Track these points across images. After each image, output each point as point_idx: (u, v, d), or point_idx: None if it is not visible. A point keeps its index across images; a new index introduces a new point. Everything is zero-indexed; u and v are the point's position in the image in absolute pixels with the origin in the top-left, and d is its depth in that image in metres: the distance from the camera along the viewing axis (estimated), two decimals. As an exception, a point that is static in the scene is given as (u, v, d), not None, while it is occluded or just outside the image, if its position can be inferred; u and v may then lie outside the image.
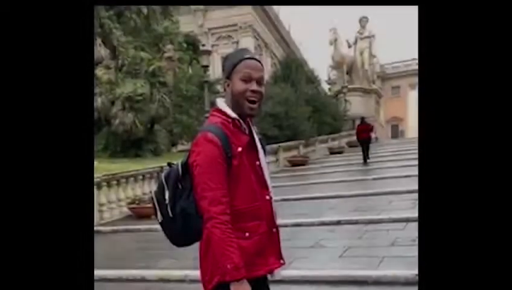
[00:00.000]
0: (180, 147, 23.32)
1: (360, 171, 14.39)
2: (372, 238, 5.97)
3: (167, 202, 1.79)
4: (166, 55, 20.08)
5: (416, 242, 5.36)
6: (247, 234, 1.73)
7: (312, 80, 29.35)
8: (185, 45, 23.14)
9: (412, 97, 55.86)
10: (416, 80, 54.90)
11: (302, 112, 21.61)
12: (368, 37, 35.08)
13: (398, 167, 12.42)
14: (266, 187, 1.85)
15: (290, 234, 5.90)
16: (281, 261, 1.87)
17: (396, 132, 52.94)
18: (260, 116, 20.82)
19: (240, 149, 1.75)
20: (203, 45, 16.81)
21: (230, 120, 1.77)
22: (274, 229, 1.86)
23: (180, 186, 1.79)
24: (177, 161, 1.85)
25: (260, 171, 1.84)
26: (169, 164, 1.89)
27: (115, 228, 8.64)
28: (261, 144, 1.89)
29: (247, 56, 1.80)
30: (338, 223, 6.96)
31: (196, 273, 5.11)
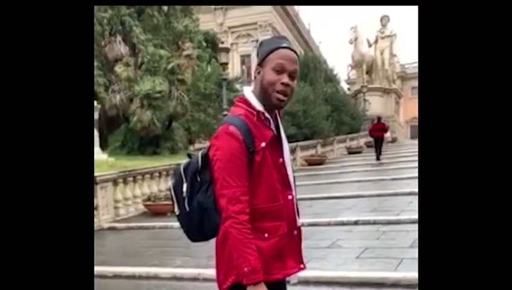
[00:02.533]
0: (197, 145, 23.37)
1: (378, 171, 14.16)
2: (391, 239, 5.81)
3: (184, 195, 1.73)
4: (185, 53, 20.15)
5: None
6: (266, 235, 1.64)
7: (331, 78, 29.11)
8: (204, 43, 23.19)
9: (433, 97, 55.01)
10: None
11: (321, 110, 21.45)
12: (389, 36, 34.58)
13: (417, 168, 12.14)
14: (289, 186, 1.75)
15: (307, 233, 5.67)
16: (301, 266, 1.77)
17: (415, 133, 52.03)
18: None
19: (263, 144, 1.65)
20: (222, 42, 16.77)
21: (254, 112, 1.68)
22: (295, 232, 1.76)
23: (198, 179, 1.72)
24: (197, 153, 1.79)
25: (283, 169, 1.73)
26: (189, 155, 1.82)
27: (129, 225, 8.64)
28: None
29: (284, 45, 1.68)
30: (355, 223, 6.83)
31: (209, 272, 5.11)
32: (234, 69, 34.81)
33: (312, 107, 20.74)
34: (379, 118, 18.04)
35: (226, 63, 14.88)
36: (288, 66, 1.66)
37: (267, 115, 1.69)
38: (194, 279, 4.95)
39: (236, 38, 38.90)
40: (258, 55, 1.73)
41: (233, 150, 1.60)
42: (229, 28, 38.40)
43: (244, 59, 39.18)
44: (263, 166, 1.65)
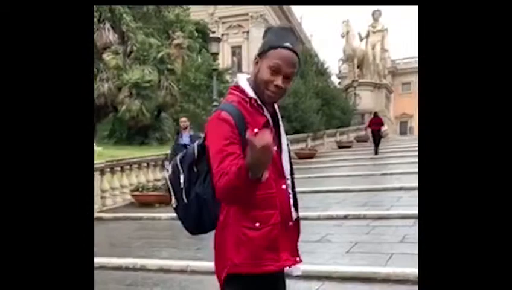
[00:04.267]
0: (186, 137, 23.20)
1: (368, 166, 14.18)
2: (381, 234, 5.80)
3: (182, 186, 1.71)
4: (175, 42, 19.94)
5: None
6: (257, 224, 1.60)
7: (322, 72, 29.05)
8: (195, 33, 22.96)
9: (423, 94, 55.33)
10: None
11: (311, 104, 21.40)
12: (381, 30, 34.60)
13: (408, 163, 12.15)
14: (283, 176, 1.72)
15: (296, 227, 5.78)
16: (297, 259, 1.73)
17: (405, 129, 52.52)
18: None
19: (256, 130, 1.56)
20: (213, 32, 16.58)
21: (247, 99, 1.66)
22: (290, 223, 1.72)
23: (195, 169, 1.71)
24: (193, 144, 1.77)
25: (277, 158, 1.68)
26: (184, 146, 1.83)
27: (116, 215, 8.55)
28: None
29: (287, 45, 1.63)
30: (345, 217, 6.81)
31: (197, 264, 5.02)
32: (225, 60, 34.61)
33: (303, 101, 20.69)
34: (376, 113, 18.57)
35: (217, 53, 14.71)
36: (285, 68, 1.62)
37: (259, 102, 1.67)
38: (182, 271, 4.89)
39: (227, 29, 38.65)
40: (263, 38, 1.69)
41: (226, 133, 1.57)
42: (220, 18, 38.14)
43: (235, 50, 39.00)
44: None
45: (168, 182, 1.76)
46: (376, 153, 16.78)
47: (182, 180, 1.71)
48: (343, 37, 32.83)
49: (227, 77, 24.80)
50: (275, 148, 1.66)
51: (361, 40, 33.86)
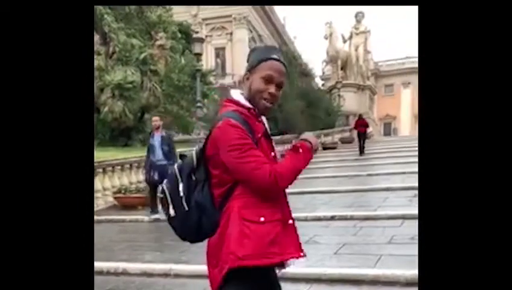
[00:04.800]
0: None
1: (354, 167, 14.15)
2: (368, 235, 5.73)
3: (181, 194, 1.75)
4: (158, 43, 19.68)
5: (415, 240, 5.21)
6: (262, 219, 1.67)
7: (306, 73, 29.09)
8: (178, 34, 22.71)
9: (405, 95, 55.98)
10: (409, 78, 55.26)
11: (296, 105, 21.38)
12: (364, 32, 34.80)
13: (393, 164, 12.20)
14: None
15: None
16: (301, 253, 1.79)
17: (389, 130, 52.95)
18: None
19: (259, 135, 1.74)
20: (196, 32, 16.40)
21: (245, 109, 1.76)
22: (290, 221, 1.80)
23: (193, 178, 1.77)
24: (189, 152, 1.83)
25: (274, 161, 1.79)
26: (181, 156, 1.86)
27: (98, 218, 8.31)
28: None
29: (275, 56, 1.79)
30: (332, 218, 6.72)
31: (181, 268, 4.85)
32: (208, 62, 34.40)
33: (287, 102, 20.64)
34: (360, 115, 19.06)
35: (200, 54, 14.58)
36: (276, 77, 1.75)
37: (257, 111, 1.77)
38: (165, 275, 4.74)
39: (210, 31, 38.46)
40: (248, 61, 1.82)
41: (242, 134, 1.66)
42: (204, 19, 37.91)
43: (219, 52, 38.83)
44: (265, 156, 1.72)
45: (166, 192, 1.78)
46: (361, 154, 16.89)
47: (181, 188, 1.75)
48: (326, 38, 32.94)
49: (211, 79, 24.63)
50: (272, 153, 1.80)
51: (345, 41, 34.02)
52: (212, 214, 1.71)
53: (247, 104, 1.77)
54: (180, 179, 1.76)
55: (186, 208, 1.73)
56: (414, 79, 55.52)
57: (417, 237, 5.72)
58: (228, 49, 38.61)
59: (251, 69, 1.79)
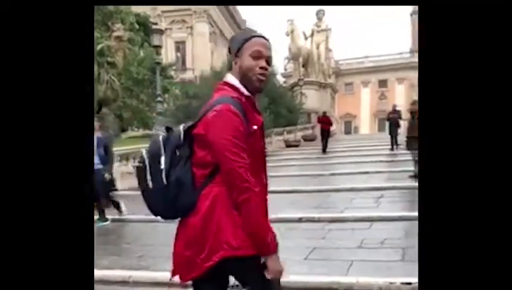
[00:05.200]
0: (131, 133, 22.21)
1: (317, 165, 14.08)
2: (338, 238, 5.55)
3: (163, 167, 1.72)
4: (115, 34, 18.98)
5: (384, 245, 5.07)
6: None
7: (268, 69, 28.88)
8: (136, 26, 21.97)
9: (365, 94, 57.07)
10: (368, 77, 56.36)
11: (258, 102, 21.11)
12: (325, 30, 34.93)
13: (355, 163, 12.18)
14: (265, 171, 1.90)
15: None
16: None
17: (349, 128, 53.80)
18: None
19: (255, 127, 1.75)
20: (155, 24, 15.83)
21: (243, 97, 1.76)
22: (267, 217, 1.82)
23: (177, 153, 1.74)
24: (180, 126, 1.81)
25: (263, 155, 1.86)
26: (167, 129, 1.83)
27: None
28: None
29: (258, 34, 1.81)
30: (300, 220, 6.52)
31: (141, 274, 4.50)
32: (168, 56, 33.65)
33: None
34: (324, 112, 19.20)
35: (160, 46, 14.03)
36: (264, 52, 1.76)
37: (254, 100, 1.79)
38: (124, 282, 4.44)
39: (170, 24, 37.65)
40: (230, 51, 1.83)
41: (239, 128, 1.65)
42: (163, 12, 37.07)
43: (179, 45, 38.08)
44: (254, 148, 1.73)
45: (146, 162, 1.74)
46: (324, 151, 16.96)
47: (163, 161, 1.72)
48: (288, 35, 32.84)
49: (172, 73, 24.04)
50: (262, 144, 1.84)
51: (306, 39, 34.04)
52: (190, 193, 1.70)
53: (245, 91, 1.76)
54: (163, 152, 1.73)
55: (165, 182, 1.70)
56: (373, 78, 56.81)
57: (386, 241, 5.51)
58: (189, 43, 37.97)
59: (237, 52, 1.78)
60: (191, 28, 37.51)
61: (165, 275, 4.55)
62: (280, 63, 50.00)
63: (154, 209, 1.79)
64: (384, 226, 6.09)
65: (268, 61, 1.78)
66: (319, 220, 6.46)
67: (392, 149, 15.73)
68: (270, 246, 1.68)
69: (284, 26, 33.89)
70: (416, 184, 8.93)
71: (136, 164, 1.92)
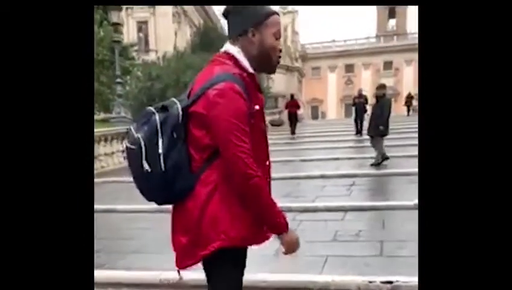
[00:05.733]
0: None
1: (286, 151, 13.69)
2: (310, 230, 5.19)
3: (160, 150, 1.61)
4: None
5: (359, 237, 4.75)
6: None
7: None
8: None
9: (332, 79, 57.26)
10: (335, 62, 56.49)
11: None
12: (291, 12, 34.57)
13: (325, 149, 11.90)
14: (268, 153, 1.83)
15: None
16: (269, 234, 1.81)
17: (316, 113, 53.89)
18: (179, 87, 19.72)
19: (257, 107, 1.69)
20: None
21: (246, 75, 1.68)
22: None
23: (174, 135, 1.63)
24: (176, 105, 1.67)
25: (265, 136, 1.80)
26: (163, 107, 1.67)
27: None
28: None
29: (276, 10, 1.74)
30: (269, 211, 6.10)
31: (123, 276, 4.00)
32: (130, 36, 32.43)
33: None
34: (292, 95, 19.35)
35: (119, 24, 13.27)
36: (281, 32, 1.77)
37: (257, 78, 1.72)
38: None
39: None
40: (235, 15, 1.71)
41: (242, 110, 1.59)
42: (125, -10, 35.55)
43: (141, 26, 36.80)
44: (255, 129, 1.66)
45: (142, 143, 1.61)
46: (293, 134, 16.90)
47: (160, 144, 1.61)
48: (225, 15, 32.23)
49: (134, 54, 23.11)
50: (263, 124, 1.77)
51: (273, 22, 33.54)
52: (187, 177, 1.64)
53: (250, 68, 1.69)
54: (160, 134, 1.61)
55: (163, 168, 1.61)
56: (340, 63, 56.99)
57: (362, 233, 5.02)
58: (151, 23, 36.72)
59: (257, 25, 1.69)
60: (154, 7, 36.25)
61: (123, 274, 4.24)
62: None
63: (149, 195, 1.72)
64: (357, 217, 5.80)
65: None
66: (290, 210, 6.07)
67: (356, 133, 15.53)
68: (283, 224, 1.71)
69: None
70: (387, 171, 8.74)
71: (128, 146, 1.68)
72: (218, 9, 43.25)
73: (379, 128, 9.13)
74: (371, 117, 9.55)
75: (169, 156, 1.62)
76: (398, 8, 57.88)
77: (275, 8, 1.81)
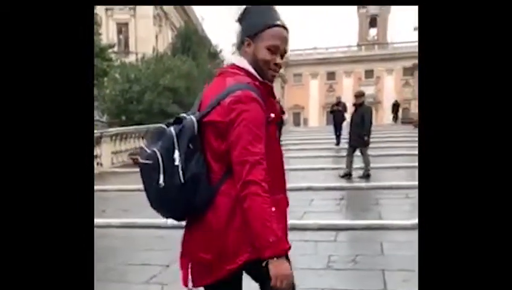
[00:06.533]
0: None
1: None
2: (300, 254, 4.53)
3: (177, 163, 1.55)
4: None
5: (357, 264, 4.13)
6: (273, 209, 1.51)
7: (215, 55, 27.70)
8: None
9: (313, 86, 57.06)
10: (317, 69, 56.36)
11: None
12: (276, 18, 34.07)
13: (310, 158, 11.29)
14: (282, 161, 1.77)
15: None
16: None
17: (298, 120, 53.43)
18: (158, 90, 19.00)
19: (272, 115, 1.66)
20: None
21: (259, 83, 1.65)
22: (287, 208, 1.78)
23: (191, 146, 1.58)
24: (189, 117, 1.62)
25: (280, 146, 1.77)
26: (178, 119, 1.64)
27: None
28: None
29: (279, 23, 1.66)
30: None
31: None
32: (109, 38, 31.49)
33: (196, 85, 19.26)
34: (278, 101, 17.70)
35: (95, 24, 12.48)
36: (281, 46, 1.67)
37: (271, 86, 1.71)
38: None
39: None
40: (243, 21, 1.71)
41: (260, 117, 1.56)
42: (104, -10, 34.60)
43: (121, 28, 35.87)
44: (271, 137, 1.64)
45: (159, 158, 1.56)
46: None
47: (176, 156, 1.56)
48: (236, 21, 31.73)
49: (112, 56, 22.26)
50: (278, 133, 1.75)
51: (256, 26, 33.09)
52: (207, 189, 1.57)
53: (259, 77, 1.67)
54: (177, 146, 1.55)
55: (182, 181, 1.54)
56: (322, 70, 56.88)
57: (359, 259, 4.11)
58: (131, 25, 35.84)
59: (253, 36, 1.66)
60: (134, 9, 35.39)
61: None
62: (228, 49, 48.61)
63: (166, 210, 1.66)
64: (351, 237, 5.19)
65: (283, 54, 1.69)
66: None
67: (337, 144, 14.55)
68: (275, 244, 1.48)
69: (233, 10, 32.60)
70: (376, 183, 8.19)
71: (143, 161, 1.57)
72: (201, 18, 42.63)
73: (363, 139, 8.59)
74: (351, 126, 9.01)
75: (188, 168, 1.56)
76: (379, 18, 58.24)
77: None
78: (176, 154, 1.55)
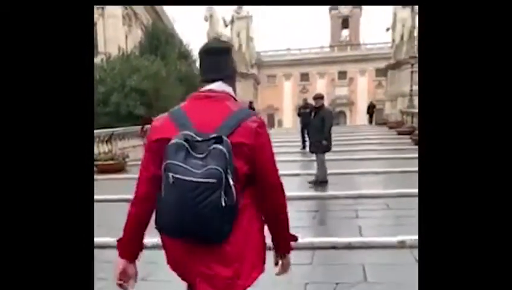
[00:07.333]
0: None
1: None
2: (270, 284, 3.87)
3: (232, 183, 1.56)
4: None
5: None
6: (263, 217, 1.75)
7: (185, 56, 26.83)
8: None
9: (287, 87, 56.73)
10: (290, 70, 56.06)
11: (174, 91, 19.16)
12: (245, 17, 33.41)
13: (285, 162, 10.67)
14: None
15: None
16: None
17: (272, 121, 52.90)
18: (125, 91, 18.09)
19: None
20: None
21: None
22: None
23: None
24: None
25: None
26: (216, 138, 1.59)
27: None
28: None
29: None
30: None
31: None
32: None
33: (164, 86, 18.42)
34: (251, 102, 18.57)
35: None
36: None
37: None
38: None
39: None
40: (228, 53, 1.85)
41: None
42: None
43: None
44: None
45: (223, 176, 1.53)
46: None
47: (230, 176, 1.54)
48: (206, 20, 30.95)
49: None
50: None
51: (226, 25, 32.38)
52: (232, 211, 1.57)
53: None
54: (229, 165, 1.54)
55: (235, 201, 1.55)
56: (295, 71, 56.58)
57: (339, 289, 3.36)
58: (100, 25, 34.61)
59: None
60: (102, 9, 34.20)
61: None
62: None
63: (198, 231, 1.56)
64: (330, 259, 4.58)
65: None
66: (269, 249, 4.77)
67: (303, 148, 13.83)
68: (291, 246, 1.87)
69: (202, 10, 31.93)
70: (354, 192, 7.63)
71: (201, 181, 1.50)
72: (172, 18, 41.67)
73: (321, 144, 8.03)
74: (311, 131, 8.48)
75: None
76: (351, 19, 58.45)
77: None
78: (229, 172, 1.53)
